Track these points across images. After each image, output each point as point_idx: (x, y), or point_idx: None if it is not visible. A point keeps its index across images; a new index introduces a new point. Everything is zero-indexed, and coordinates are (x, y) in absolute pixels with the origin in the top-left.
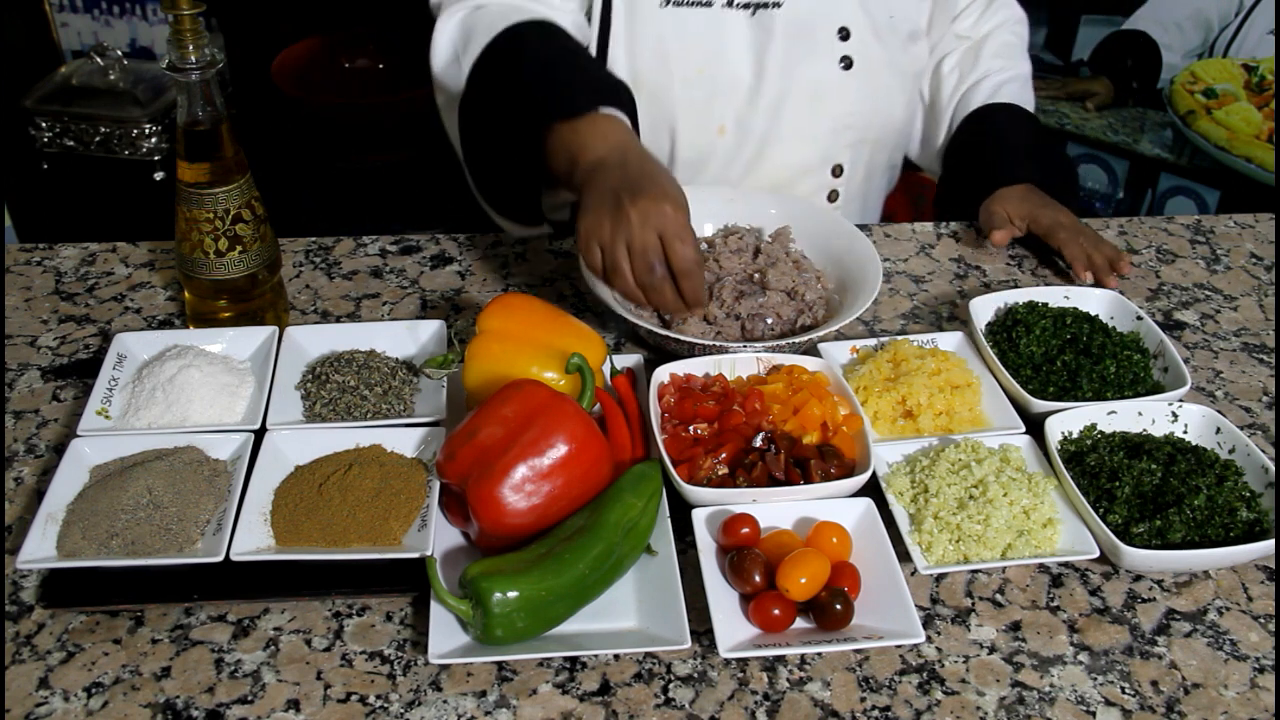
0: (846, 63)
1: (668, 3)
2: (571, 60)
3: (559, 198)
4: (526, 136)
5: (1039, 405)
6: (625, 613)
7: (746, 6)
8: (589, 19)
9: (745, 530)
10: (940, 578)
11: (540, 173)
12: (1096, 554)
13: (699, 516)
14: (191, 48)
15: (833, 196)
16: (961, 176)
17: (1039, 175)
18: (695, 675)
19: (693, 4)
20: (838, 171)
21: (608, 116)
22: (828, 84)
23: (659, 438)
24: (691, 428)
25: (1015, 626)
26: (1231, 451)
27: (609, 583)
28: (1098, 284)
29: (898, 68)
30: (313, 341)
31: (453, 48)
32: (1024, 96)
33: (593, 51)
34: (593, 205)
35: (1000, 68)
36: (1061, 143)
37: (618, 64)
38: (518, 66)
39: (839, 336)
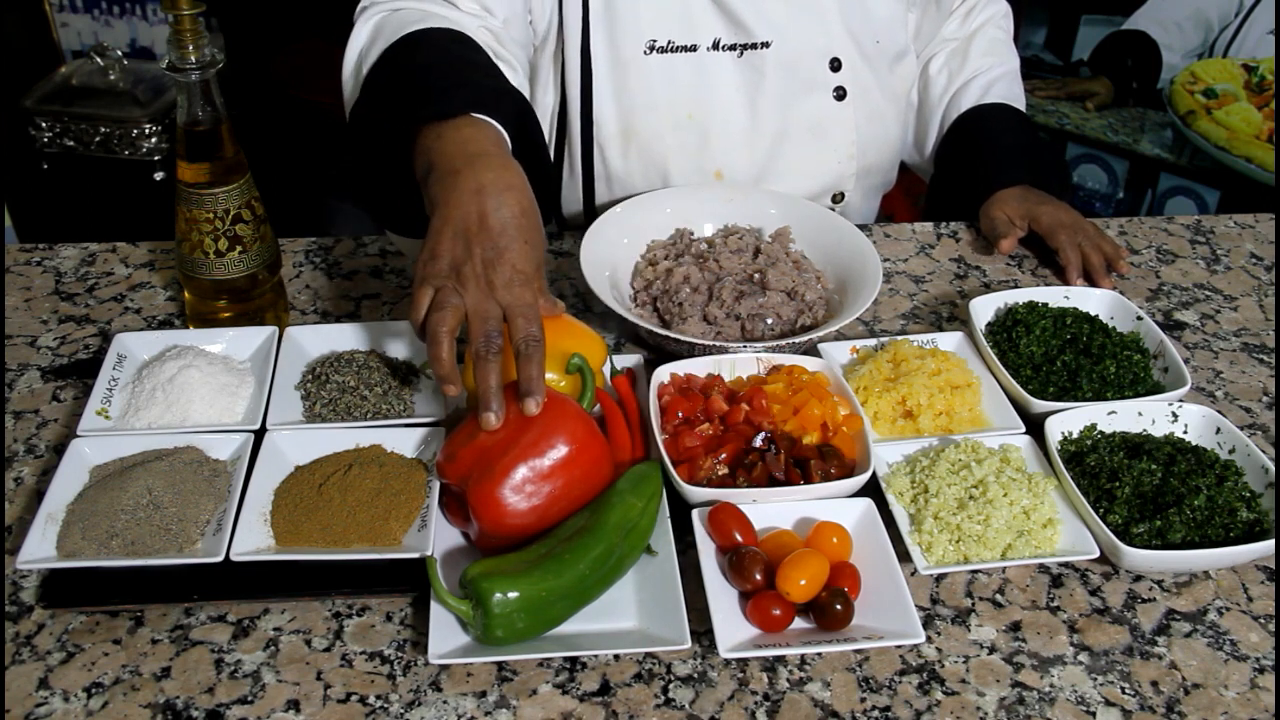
0: (840, 93)
1: (651, 49)
2: (458, 65)
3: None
4: (396, 139)
5: (1039, 405)
6: (625, 613)
7: (733, 48)
8: (563, 68)
9: (732, 524)
10: (940, 578)
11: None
12: (1096, 554)
13: (699, 516)
14: (191, 48)
15: None
16: (954, 179)
17: (1033, 176)
18: (695, 675)
19: (677, 49)
20: (839, 198)
21: (476, 122)
22: (825, 117)
23: (659, 438)
24: (699, 425)
25: (1015, 627)
26: (1231, 452)
27: (609, 583)
28: (1093, 285)
29: (889, 90)
30: (313, 341)
31: (360, 50)
32: (1014, 93)
33: (575, 101)
34: (439, 243)
35: (989, 66)
36: (1060, 142)
37: (605, 113)
38: (405, 68)
39: (839, 336)
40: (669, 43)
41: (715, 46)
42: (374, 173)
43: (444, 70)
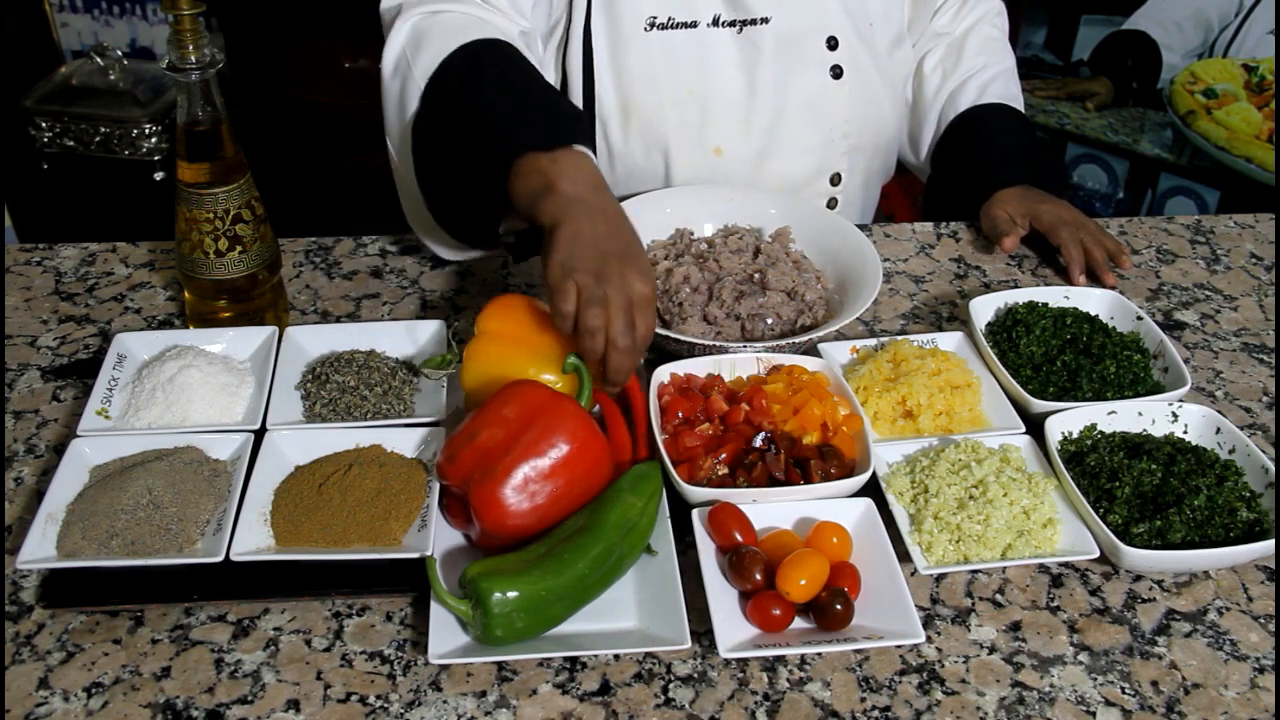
0: (836, 72)
1: (652, 26)
2: (538, 88)
3: (511, 223)
4: (491, 163)
5: (1039, 405)
6: (625, 613)
7: (733, 24)
8: (565, 46)
9: (731, 524)
10: (940, 578)
11: (500, 198)
12: (1096, 554)
13: (699, 516)
14: (191, 48)
15: (832, 204)
16: (953, 179)
17: (1032, 175)
18: (695, 675)
19: (677, 26)
20: (836, 180)
21: (581, 154)
22: (821, 95)
23: (659, 438)
24: (699, 425)
25: (1015, 626)
26: (1231, 452)
27: (609, 583)
28: (1097, 282)
29: (886, 74)
30: (313, 341)
31: (398, 53)
32: (1010, 92)
33: (577, 79)
34: (576, 249)
35: (984, 65)
36: (1060, 142)
37: (605, 91)
38: (478, 88)
39: (839, 336)
40: (669, 19)
41: (715, 23)
42: (447, 184)
43: (531, 94)
